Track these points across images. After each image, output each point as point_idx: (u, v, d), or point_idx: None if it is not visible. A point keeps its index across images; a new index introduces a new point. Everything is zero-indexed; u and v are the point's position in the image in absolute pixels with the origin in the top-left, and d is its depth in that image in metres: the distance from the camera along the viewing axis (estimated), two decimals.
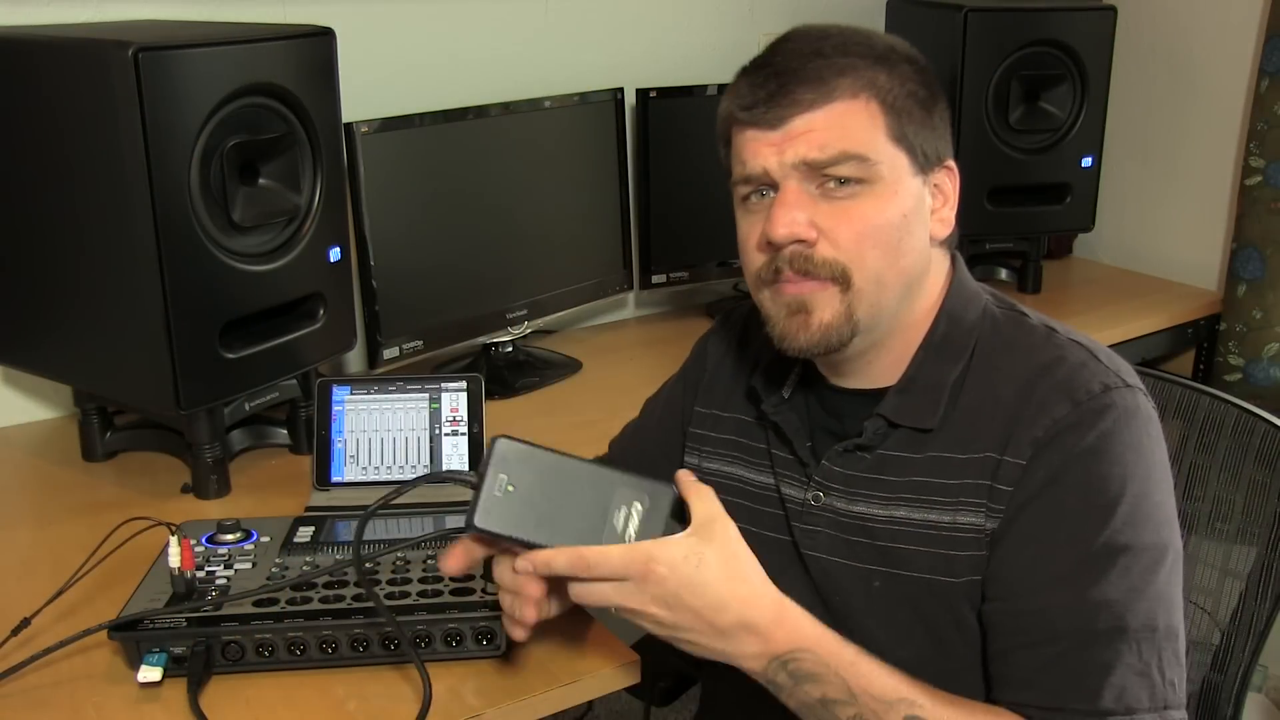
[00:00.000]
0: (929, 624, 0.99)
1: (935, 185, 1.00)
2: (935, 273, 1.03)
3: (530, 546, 0.89)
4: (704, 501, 0.91)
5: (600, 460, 0.98)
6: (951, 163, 1.01)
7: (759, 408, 1.09)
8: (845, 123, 0.94)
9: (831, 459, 1.03)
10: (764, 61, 0.97)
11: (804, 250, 0.95)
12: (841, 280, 0.95)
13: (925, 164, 0.98)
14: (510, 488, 0.89)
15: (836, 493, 1.03)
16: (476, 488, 0.89)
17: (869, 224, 0.95)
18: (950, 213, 1.01)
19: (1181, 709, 0.92)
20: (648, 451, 1.26)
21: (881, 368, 1.02)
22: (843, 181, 0.94)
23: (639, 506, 0.90)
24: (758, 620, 0.88)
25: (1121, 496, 0.91)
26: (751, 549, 1.08)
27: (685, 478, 0.93)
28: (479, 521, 0.88)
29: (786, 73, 0.94)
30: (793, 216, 0.94)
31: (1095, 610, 0.90)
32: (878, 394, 1.02)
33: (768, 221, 0.96)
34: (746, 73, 0.99)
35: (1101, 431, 0.92)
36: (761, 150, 0.95)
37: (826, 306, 0.96)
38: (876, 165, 0.94)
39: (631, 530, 0.89)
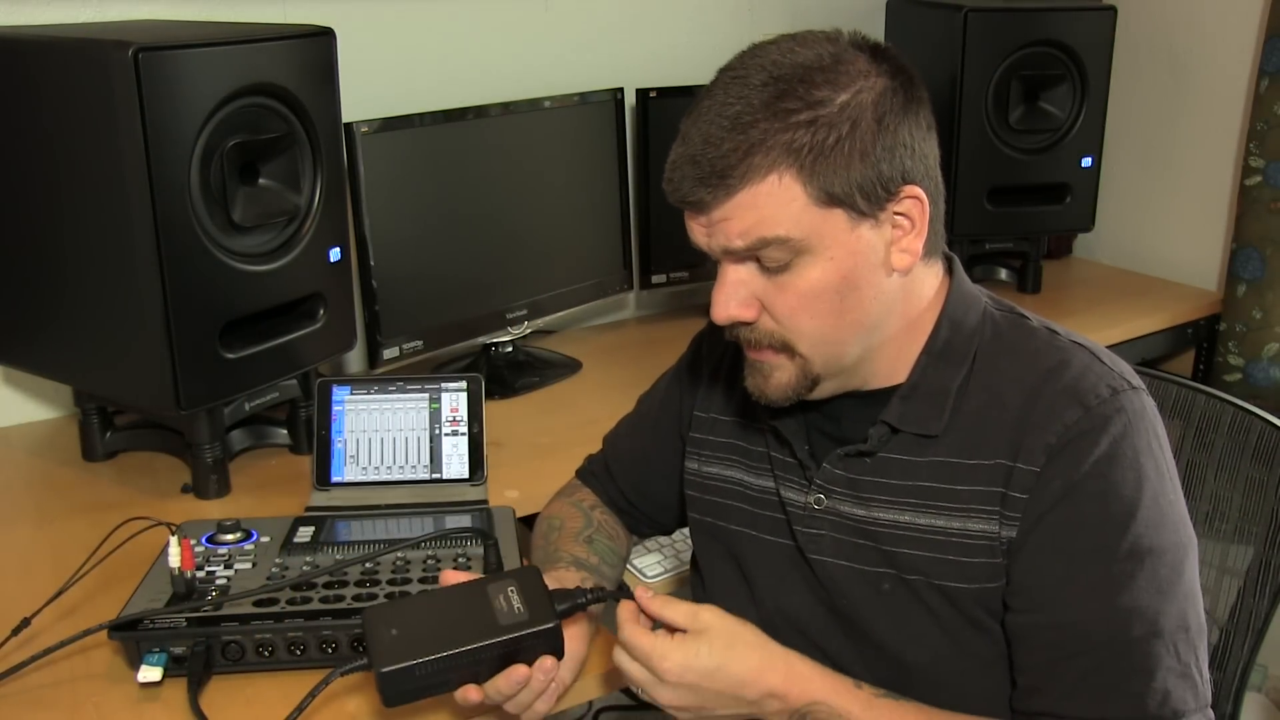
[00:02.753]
0: (944, 625, 0.99)
1: (896, 215, 0.93)
2: (923, 287, 1.00)
3: (440, 663, 0.93)
4: (677, 608, 0.95)
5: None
6: (913, 187, 0.93)
7: (756, 411, 1.09)
8: (760, 205, 0.90)
9: (833, 462, 1.03)
10: (684, 136, 0.93)
11: (746, 327, 0.97)
12: (786, 350, 0.96)
13: (871, 205, 0.91)
14: (394, 631, 0.93)
15: (839, 496, 1.02)
16: (367, 650, 0.93)
17: (802, 296, 0.93)
18: (917, 241, 0.95)
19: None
20: (645, 450, 1.26)
21: (875, 373, 1.01)
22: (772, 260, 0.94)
23: (513, 589, 0.97)
24: (776, 684, 0.95)
25: (1139, 500, 0.92)
26: (752, 553, 1.09)
27: (646, 601, 0.96)
28: (385, 666, 0.91)
29: (701, 161, 0.91)
30: (728, 300, 0.95)
31: (1128, 617, 0.91)
32: (874, 396, 1.01)
33: (711, 301, 0.97)
34: (676, 145, 0.94)
35: (1114, 437, 0.92)
36: (695, 230, 0.95)
37: (781, 370, 0.98)
38: (801, 240, 0.91)
39: (518, 604, 0.95)
